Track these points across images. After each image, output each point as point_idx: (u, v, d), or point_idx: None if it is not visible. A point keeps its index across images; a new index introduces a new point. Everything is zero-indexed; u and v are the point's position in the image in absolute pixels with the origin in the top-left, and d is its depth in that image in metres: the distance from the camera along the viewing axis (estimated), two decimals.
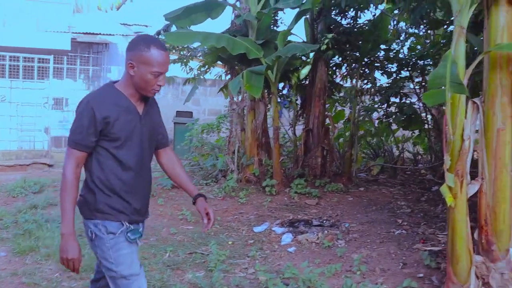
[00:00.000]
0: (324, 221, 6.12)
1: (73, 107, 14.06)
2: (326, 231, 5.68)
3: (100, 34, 14.01)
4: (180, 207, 6.82)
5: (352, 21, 8.62)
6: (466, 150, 3.76)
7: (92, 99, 2.52)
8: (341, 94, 9.76)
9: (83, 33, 14.03)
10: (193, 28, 8.11)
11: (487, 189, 3.91)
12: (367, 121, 9.57)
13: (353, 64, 8.69)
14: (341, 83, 9.62)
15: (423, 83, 8.84)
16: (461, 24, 3.60)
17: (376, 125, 9.66)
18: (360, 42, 8.25)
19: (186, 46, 10.08)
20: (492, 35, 3.78)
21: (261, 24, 7.55)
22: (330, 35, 7.77)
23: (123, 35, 14.34)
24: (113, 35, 14.26)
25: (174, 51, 10.33)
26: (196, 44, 8.62)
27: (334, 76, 9.67)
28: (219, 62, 9.19)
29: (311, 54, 8.44)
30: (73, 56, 14.33)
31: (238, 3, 8.12)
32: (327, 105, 9.29)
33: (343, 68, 9.18)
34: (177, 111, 12.74)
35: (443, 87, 3.56)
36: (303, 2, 6.94)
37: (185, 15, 7.69)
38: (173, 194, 7.53)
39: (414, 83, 9.00)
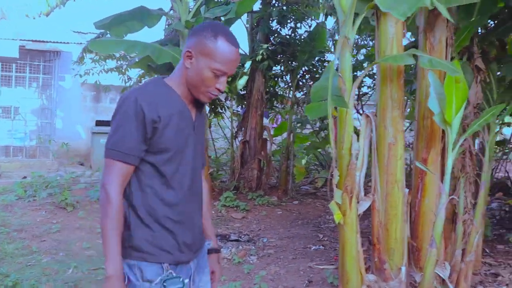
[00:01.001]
0: (242, 236, 5.94)
1: (24, 116, 13.84)
2: (240, 247, 5.50)
3: (50, 42, 13.71)
4: None
5: (291, 32, 8.52)
6: (355, 166, 3.62)
7: (142, 95, 1.87)
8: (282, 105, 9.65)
9: (32, 41, 13.71)
10: (130, 36, 7.92)
11: (380, 206, 3.79)
12: (312, 133, 9.47)
13: (288, 75, 8.58)
14: (283, 93, 9.51)
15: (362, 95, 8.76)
16: (346, 34, 3.47)
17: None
18: (297, 53, 8.15)
19: (122, 55, 9.85)
20: (382, 46, 3.66)
21: None
22: (265, 46, 7.64)
23: (76, 43, 14.07)
24: (66, 43, 13.97)
25: (111, 59, 10.09)
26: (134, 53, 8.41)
27: (278, 87, 9.56)
28: None
29: (248, 64, 8.29)
30: (22, 64, 13.99)
31: (172, 12, 7.94)
32: (271, 115, 9.17)
33: (286, 78, 9.08)
34: (96, 121, 12.60)
35: (325, 100, 3.43)
36: (229, 11, 6.80)
37: (117, 23, 7.47)
38: (97, 207, 7.27)
39: None
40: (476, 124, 3.75)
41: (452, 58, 4.10)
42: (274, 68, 8.65)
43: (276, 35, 8.31)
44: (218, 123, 9.65)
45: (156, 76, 2.01)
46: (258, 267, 4.98)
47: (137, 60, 7.80)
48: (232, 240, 5.77)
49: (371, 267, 3.92)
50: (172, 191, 1.92)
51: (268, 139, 8.71)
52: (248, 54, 8.48)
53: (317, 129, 8.95)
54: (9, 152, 13.61)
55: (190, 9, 7.46)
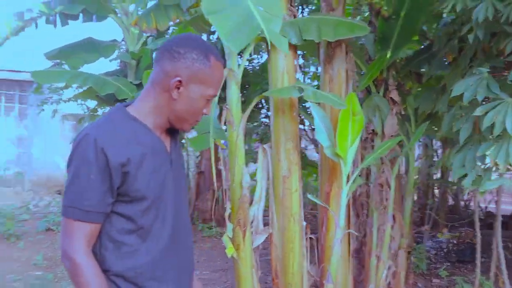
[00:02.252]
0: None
1: (2, 144, 13.85)
2: None
3: (25, 72, 13.80)
4: (40, 252, 6.52)
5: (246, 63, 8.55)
6: (247, 199, 3.58)
7: (100, 135, 1.51)
8: None
9: (8, 70, 13.85)
10: (86, 67, 7.94)
11: (276, 240, 3.73)
12: None
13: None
14: None
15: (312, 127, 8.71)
16: (231, 66, 3.45)
17: None
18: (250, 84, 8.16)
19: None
20: (274, 78, 3.65)
21: (141, 64, 7.41)
22: None
23: None
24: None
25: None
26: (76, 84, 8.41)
27: None
28: None
29: None
30: None
31: (123, 42, 7.99)
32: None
33: None
34: None
35: (208, 132, 3.40)
36: None
37: (68, 54, 7.51)
38: (41, 238, 7.21)
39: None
40: (371, 157, 3.71)
41: (366, 89, 4.10)
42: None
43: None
44: None
45: (117, 105, 1.65)
46: None
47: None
48: None
49: None
50: (152, 245, 1.59)
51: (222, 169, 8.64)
52: None
53: None
54: None
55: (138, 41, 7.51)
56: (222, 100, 3.45)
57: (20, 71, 13.91)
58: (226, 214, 3.61)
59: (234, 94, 3.48)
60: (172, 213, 1.65)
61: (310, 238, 4.02)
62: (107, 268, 1.55)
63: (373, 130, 4.54)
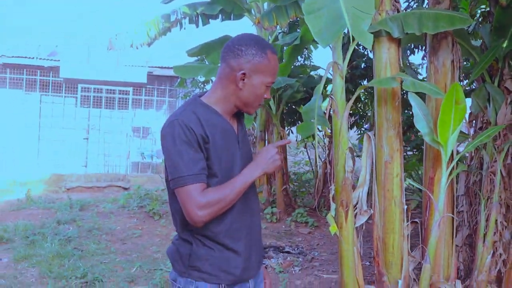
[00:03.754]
0: (295, 249, 6.27)
1: (155, 135, 15.29)
2: (289, 258, 5.85)
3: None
4: None
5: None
6: (349, 181, 3.87)
7: (179, 116, 1.84)
8: None
9: (159, 67, 15.19)
10: None
11: (378, 221, 3.99)
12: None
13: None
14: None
15: None
16: (336, 60, 3.77)
17: None
18: None
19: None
20: (377, 70, 3.91)
21: None
22: None
23: None
24: None
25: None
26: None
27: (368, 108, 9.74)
28: None
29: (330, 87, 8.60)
30: (150, 88, 15.49)
31: None
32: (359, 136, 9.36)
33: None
34: None
35: (313, 120, 3.76)
36: (295, 38, 7.22)
37: (206, 51, 8.24)
38: None
39: None
40: (470, 145, 3.81)
41: (466, 80, 4.19)
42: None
43: (357, 58, 8.52)
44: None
45: (192, 95, 2.05)
46: (296, 277, 5.31)
47: None
48: (284, 252, 6.14)
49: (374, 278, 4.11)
50: (226, 211, 1.86)
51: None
52: None
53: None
54: (138, 168, 15.07)
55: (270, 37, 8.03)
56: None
57: (169, 67, 15.15)
58: (330, 195, 3.94)
59: (338, 85, 3.81)
60: None
61: (415, 222, 4.23)
62: (190, 229, 1.90)
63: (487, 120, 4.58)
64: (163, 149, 1.86)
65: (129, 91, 14.74)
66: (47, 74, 13.86)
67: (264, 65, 1.88)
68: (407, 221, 4.02)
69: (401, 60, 3.91)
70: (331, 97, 3.80)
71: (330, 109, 3.84)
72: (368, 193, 4.04)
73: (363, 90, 9.04)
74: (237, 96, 1.92)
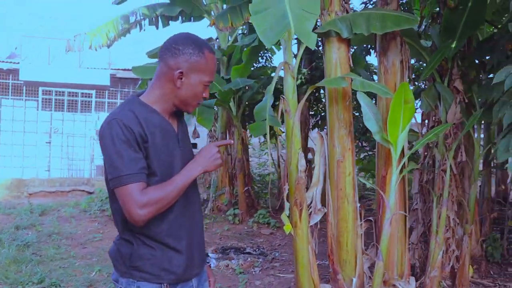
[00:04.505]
0: (256, 250, 6.29)
1: None
2: (250, 259, 5.87)
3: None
4: None
5: None
6: (302, 180, 3.90)
7: (118, 116, 1.82)
8: None
9: (122, 69, 15.05)
10: None
11: (332, 219, 4.03)
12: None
13: None
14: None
15: None
16: (287, 60, 3.80)
17: None
18: None
19: None
20: (328, 70, 3.95)
21: (232, 60, 7.93)
22: (304, 71, 8.00)
23: None
24: None
25: None
26: None
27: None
28: None
29: None
30: (114, 90, 15.34)
31: (217, 41, 8.58)
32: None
33: None
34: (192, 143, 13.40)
35: (264, 120, 3.78)
36: (253, 40, 7.26)
37: None
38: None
39: None
40: (419, 144, 3.89)
41: (414, 80, 4.28)
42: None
43: (317, 59, 8.60)
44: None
45: (130, 95, 1.91)
46: (256, 278, 5.33)
47: None
48: (245, 253, 6.15)
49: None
50: (166, 211, 1.85)
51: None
52: None
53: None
54: (103, 172, 14.93)
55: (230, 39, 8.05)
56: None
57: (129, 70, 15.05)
58: (284, 195, 3.97)
59: (290, 85, 3.83)
60: None
61: (369, 220, 4.29)
62: (130, 223, 1.83)
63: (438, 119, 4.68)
64: (102, 149, 1.83)
65: (91, 94, 14.56)
66: (6, 77, 13.61)
67: (202, 64, 1.88)
68: (361, 219, 4.08)
69: (351, 60, 3.96)
70: (283, 97, 3.82)
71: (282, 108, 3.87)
72: (322, 192, 4.09)
73: (322, 91, 9.14)
74: (175, 95, 1.91)
